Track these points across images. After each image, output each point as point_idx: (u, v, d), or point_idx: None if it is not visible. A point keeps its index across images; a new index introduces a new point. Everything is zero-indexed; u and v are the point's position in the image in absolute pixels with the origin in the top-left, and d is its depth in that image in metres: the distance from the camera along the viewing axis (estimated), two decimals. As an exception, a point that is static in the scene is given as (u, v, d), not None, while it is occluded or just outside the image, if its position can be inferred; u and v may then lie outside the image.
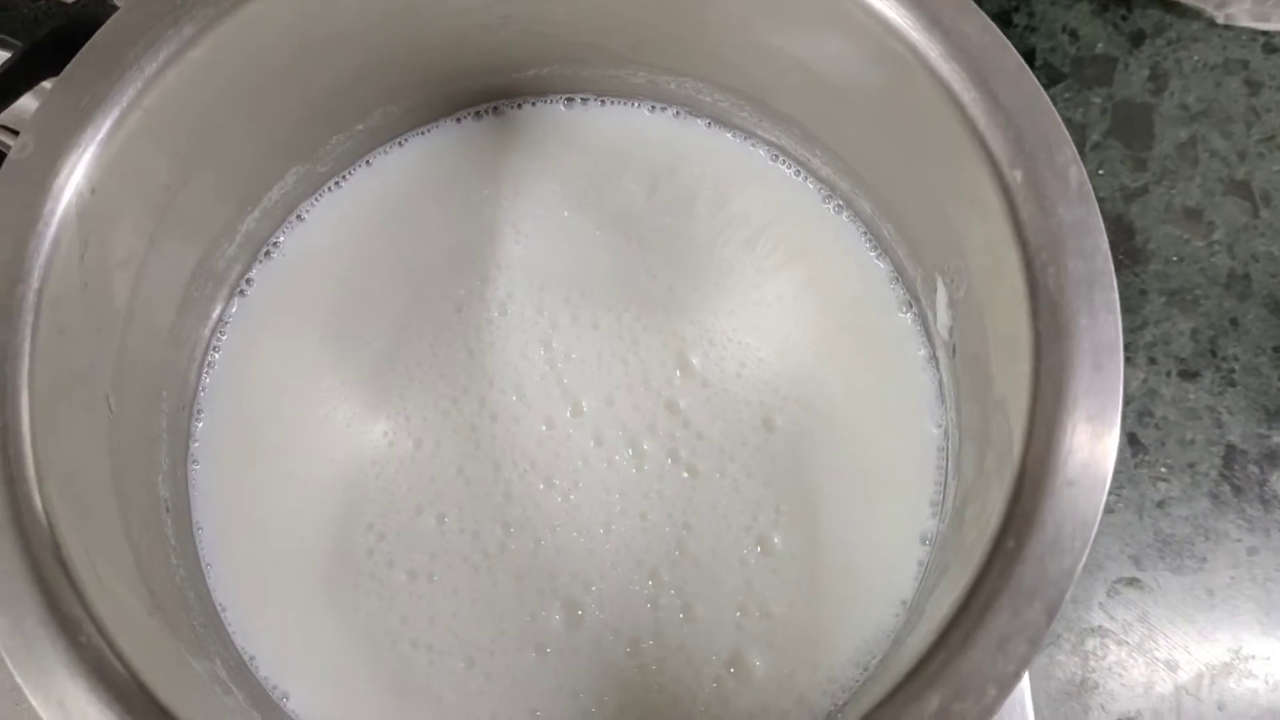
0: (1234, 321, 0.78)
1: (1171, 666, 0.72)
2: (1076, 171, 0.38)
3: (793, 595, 0.47)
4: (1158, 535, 0.75)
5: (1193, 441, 0.76)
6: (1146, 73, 0.83)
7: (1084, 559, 0.35)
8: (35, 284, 0.39)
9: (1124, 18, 0.85)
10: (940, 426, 0.49)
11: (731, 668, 0.47)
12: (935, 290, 0.47)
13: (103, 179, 0.41)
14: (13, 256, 0.39)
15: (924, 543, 0.48)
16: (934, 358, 0.50)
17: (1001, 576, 0.35)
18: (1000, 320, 0.41)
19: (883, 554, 0.48)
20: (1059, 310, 0.37)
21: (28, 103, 0.63)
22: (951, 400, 0.48)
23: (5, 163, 0.40)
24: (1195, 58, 0.83)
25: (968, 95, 0.40)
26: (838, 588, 0.48)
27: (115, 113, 0.41)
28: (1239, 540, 0.74)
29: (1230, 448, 0.76)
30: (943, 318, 0.47)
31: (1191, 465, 0.75)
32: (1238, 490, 0.75)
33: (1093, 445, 0.36)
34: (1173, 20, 0.85)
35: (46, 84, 0.62)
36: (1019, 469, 0.36)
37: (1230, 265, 0.79)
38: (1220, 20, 0.84)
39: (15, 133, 0.65)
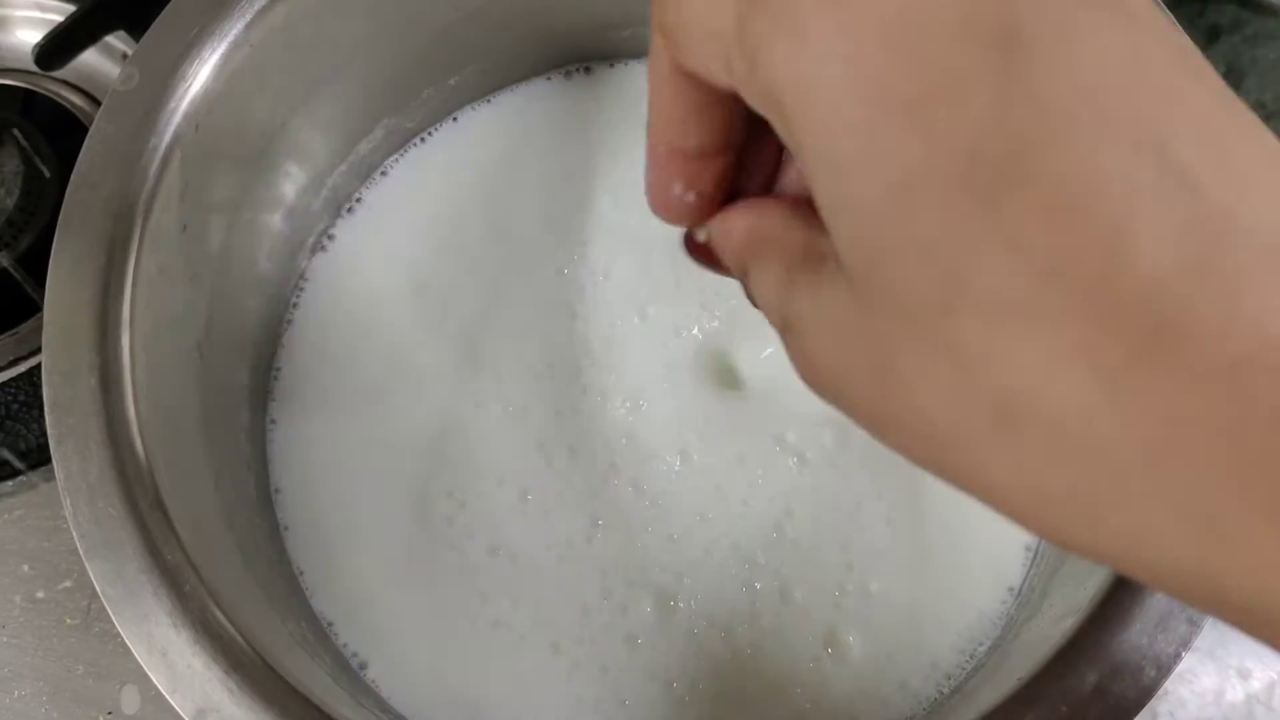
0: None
1: (1243, 674, 0.70)
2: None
3: (893, 575, 0.46)
4: (1228, 539, 0.73)
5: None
6: (1222, 69, 0.81)
7: (1246, 536, 0.33)
8: (139, 221, 0.38)
9: (1199, 13, 0.83)
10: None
11: (829, 647, 0.45)
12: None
13: (206, 116, 0.40)
14: (118, 190, 0.38)
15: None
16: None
17: (1157, 552, 0.33)
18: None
19: (988, 538, 0.46)
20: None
21: (90, 58, 0.62)
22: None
23: (110, 94, 0.39)
24: (1272, 55, 0.82)
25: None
26: (940, 571, 0.46)
27: (223, 47, 0.40)
28: (1312, 546, 0.72)
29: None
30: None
31: (1264, 468, 0.74)
32: (1311, 495, 0.74)
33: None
34: (1249, 17, 0.83)
35: (112, 39, 0.61)
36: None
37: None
38: (1298, 18, 0.83)
39: (79, 89, 0.63)
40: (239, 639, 0.34)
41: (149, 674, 0.33)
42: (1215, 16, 0.83)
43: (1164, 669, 0.32)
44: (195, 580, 0.34)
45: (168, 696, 0.32)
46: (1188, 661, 0.70)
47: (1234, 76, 0.81)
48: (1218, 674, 0.70)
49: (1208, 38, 0.83)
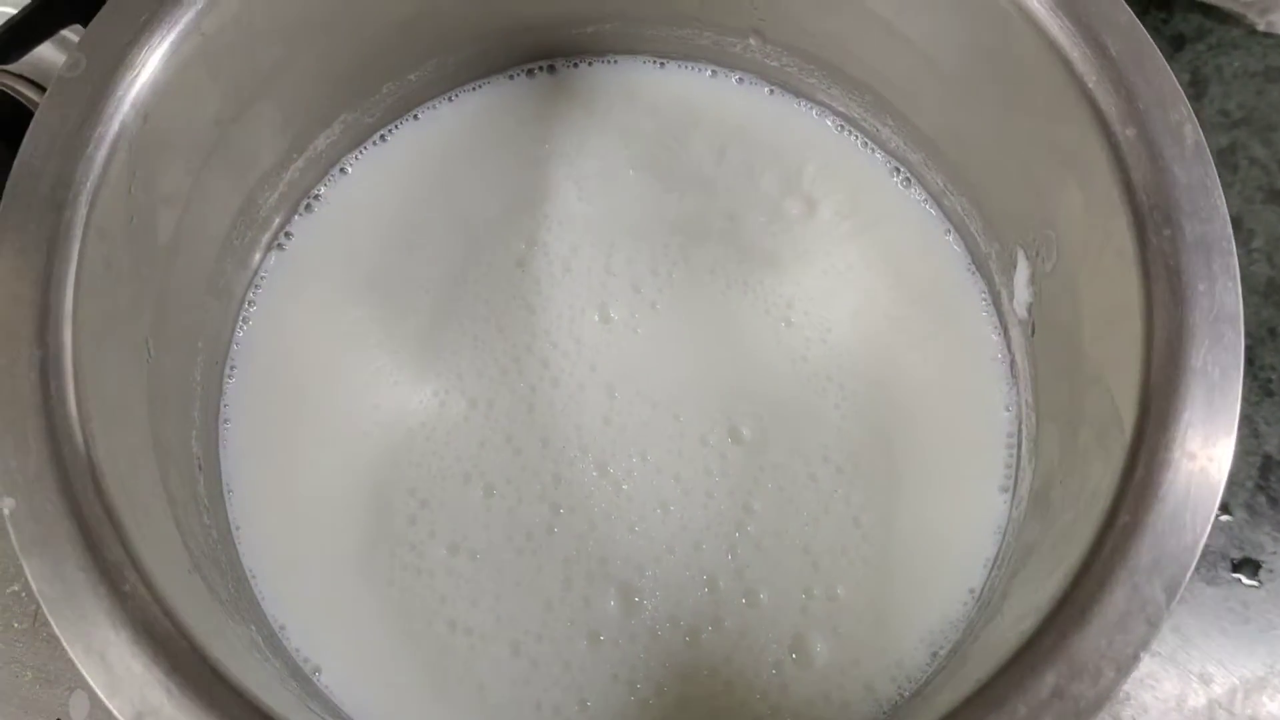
0: (1272, 331, 0.76)
1: (1205, 680, 0.70)
2: (1192, 130, 0.37)
3: (859, 578, 0.45)
4: (1192, 545, 0.73)
5: (1229, 451, 0.74)
6: (1187, 77, 0.82)
7: (1205, 535, 0.33)
8: (83, 211, 0.37)
9: (1164, 21, 0.83)
10: (1010, 409, 0.47)
11: (794, 652, 0.44)
12: (1014, 266, 0.45)
13: (155, 106, 0.39)
14: (61, 179, 0.36)
15: (995, 530, 0.46)
16: (1005, 337, 0.48)
17: (1116, 553, 0.33)
18: (1099, 290, 0.39)
19: (951, 540, 0.46)
20: (1175, 276, 0.35)
21: (46, 52, 0.61)
22: (1026, 380, 0.46)
23: (55, 80, 0.38)
24: (1236, 64, 0.82)
25: (1076, 51, 0.38)
26: (905, 574, 0.45)
27: (173, 35, 0.39)
28: (1274, 552, 0.72)
29: (1267, 458, 0.74)
30: (1021, 295, 0.45)
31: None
32: (1274, 502, 0.74)
33: (1213, 417, 0.34)
34: (1213, 26, 0.83)
35: (67, 32, 0.60)
36: (1132, 442, 0.34)
37: (1269, 274, 0.77)
38: (1261, 27, 0.83)
39: (34, 83, 0.62)
40: (181, 640, 0.33)
41: (86, 676, 0.32)
42: (1180, 25, 0.83)
43: (1123, 669, 0.31)
44: (136, 579, 0.33)
45: (105, 700, 0.31)
46: (1149, 666, 0.70)
47: (1198, 85, 0.82)
48: (1180, 679, 0.70)
49: (1173, 46, 0.83)
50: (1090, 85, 0.38)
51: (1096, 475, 0.36)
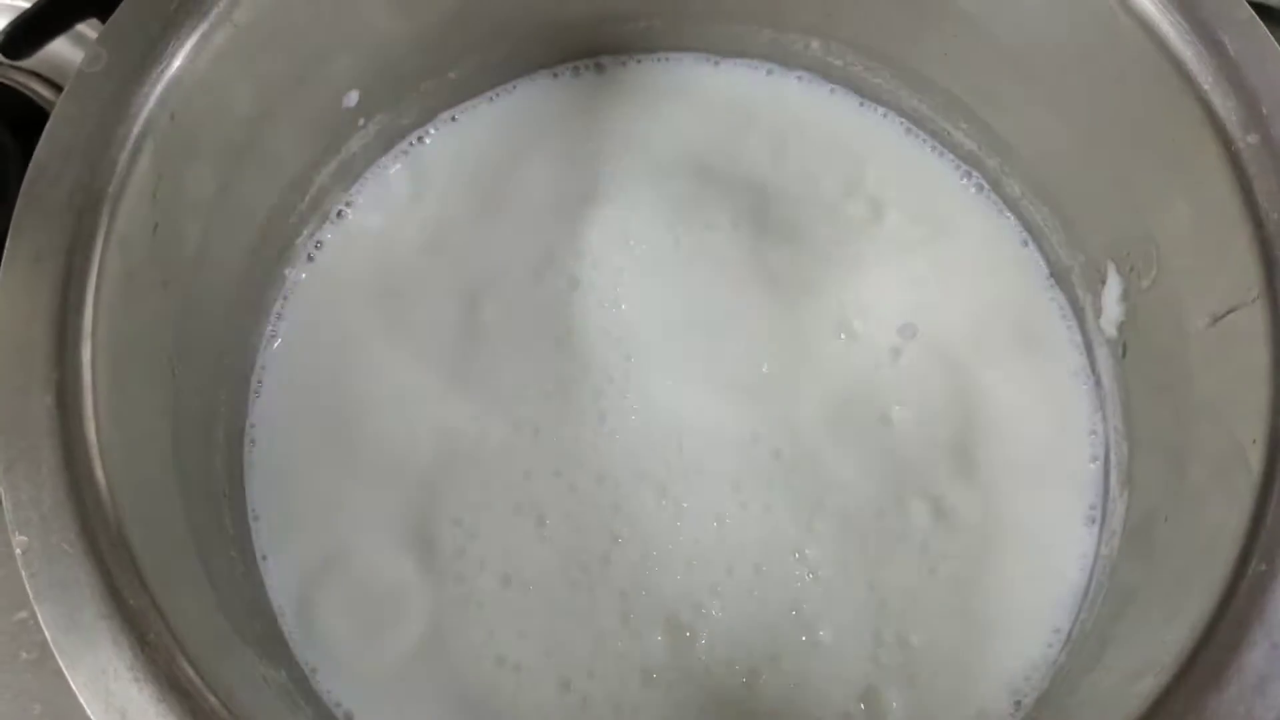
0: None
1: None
2: (1325, 139, 0.33)
3: (932, 616, 0.42)
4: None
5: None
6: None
7: (1353, 587, 0.30)
8: (105, 218, 0.34)
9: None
10: (1096, 433, 0.44)
11: (863, 703, 0.41)
12: (1104, 280, 0.42)
13: (183, 103, 0.36)
14: (81, 184, 0.33)
15: (1082, 566, 0.42)
16: (1090, 357, 0.45)
17: (1252, 606, 0.30)
18: (1211, 311, 0.36)
19: (1032, 576, 0.42)
20: (1307, 297, 0.32)
21: (61, 48, 0.58)
22: (1115, 405, 0.43)
23: (75, 76, 0.35)
24: None
25: (1189, 50, 0.35)
26: (982, 612, 0.42)
27: (203, 26, 0.36)
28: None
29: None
30: (1111, 312, 0.42)
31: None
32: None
33: (1356, 454, 0.30)
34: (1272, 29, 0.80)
35: (84, 27, 0.56)
36: (1263, 482, 0.31)
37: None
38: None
39: (49, 81, 0.59)
40: (209, 696, 0.30)
41: (105, 736, 0.28)
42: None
43: (1264, 739, 0.28)
44: (161, 627, 0.30)
45: (127, 763, 0.28)
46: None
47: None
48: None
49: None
50: (1205, 88, 0.35)
51: (1217, 517, 0.33)
